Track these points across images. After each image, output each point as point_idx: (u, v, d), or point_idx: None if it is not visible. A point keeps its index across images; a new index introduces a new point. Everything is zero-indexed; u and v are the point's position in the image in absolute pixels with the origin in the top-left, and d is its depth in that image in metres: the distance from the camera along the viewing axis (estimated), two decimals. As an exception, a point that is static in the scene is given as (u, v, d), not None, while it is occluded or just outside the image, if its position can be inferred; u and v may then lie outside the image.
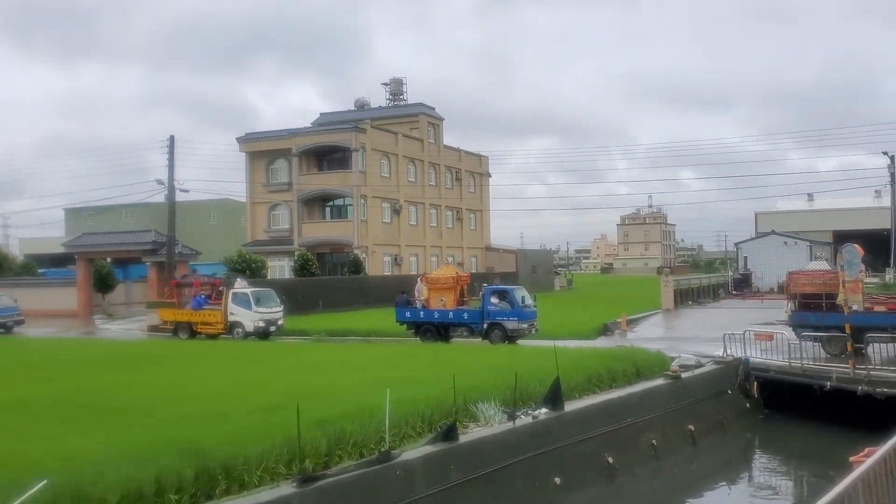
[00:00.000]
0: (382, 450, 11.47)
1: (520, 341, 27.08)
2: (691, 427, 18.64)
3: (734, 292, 56.01)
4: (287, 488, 10.16)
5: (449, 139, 72.41)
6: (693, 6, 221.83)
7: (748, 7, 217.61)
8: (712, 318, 37.36)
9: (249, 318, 30.72)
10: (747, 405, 21.61)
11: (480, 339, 27.59)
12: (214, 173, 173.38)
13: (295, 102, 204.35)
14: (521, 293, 28.13)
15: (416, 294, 29.54)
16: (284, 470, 10.78)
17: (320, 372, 18.23)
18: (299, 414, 10.67)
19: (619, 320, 32.16)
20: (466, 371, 16.88)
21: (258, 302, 31.19)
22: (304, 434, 11.43)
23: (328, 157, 62.17)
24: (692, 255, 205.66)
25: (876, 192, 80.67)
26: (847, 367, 20.18)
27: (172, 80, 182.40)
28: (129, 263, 59.80)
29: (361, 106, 71.49)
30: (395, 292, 32.00)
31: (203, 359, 22.69)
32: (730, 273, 62.77)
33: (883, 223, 67.03)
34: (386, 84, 72.41)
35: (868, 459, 6.81)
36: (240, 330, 30.80)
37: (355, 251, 57.83)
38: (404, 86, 72.58)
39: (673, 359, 21.86)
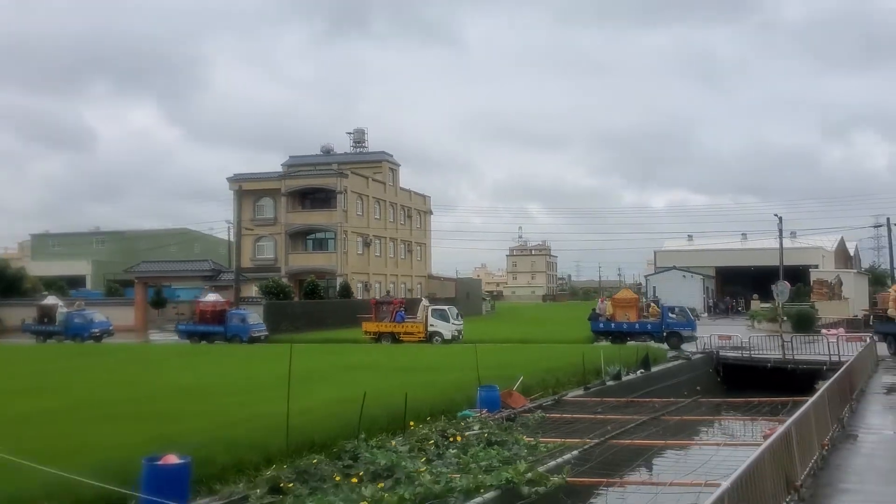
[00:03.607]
0: (601, 380, 23.33)
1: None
2: (698, 388, 31.21)
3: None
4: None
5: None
6: (516, 54, 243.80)
7: (562, 57, 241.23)
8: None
9: (447, 329, 40.58)
10: (718, 379, 34.47)
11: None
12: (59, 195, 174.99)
13: (134, 124, 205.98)
14: (688, 310, 39.13)
15: (599, 311, 40.30)
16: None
17: (516, 353, 29.67)
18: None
19: (604, 331, 44.75)
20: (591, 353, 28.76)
21: (456, 316, 41.07)
22: (561, 371, 23.12)
23: (311, 196, 72.39)
24: (567, 284, 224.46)
25: (742, 235, 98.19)
26: (780, 355, 33.35)
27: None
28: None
29: (327, 151, 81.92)
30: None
31: (434, 351, 33.00)
32: (643, 300, 77.18)
33: (749, 262, 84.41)
34: (350, 133, 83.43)
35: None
36: (438, 338, 40.17)
37: (338, 278, 68.24)
38: (366, 135, 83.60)
39: (667, 351, 34.48)
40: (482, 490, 10.36)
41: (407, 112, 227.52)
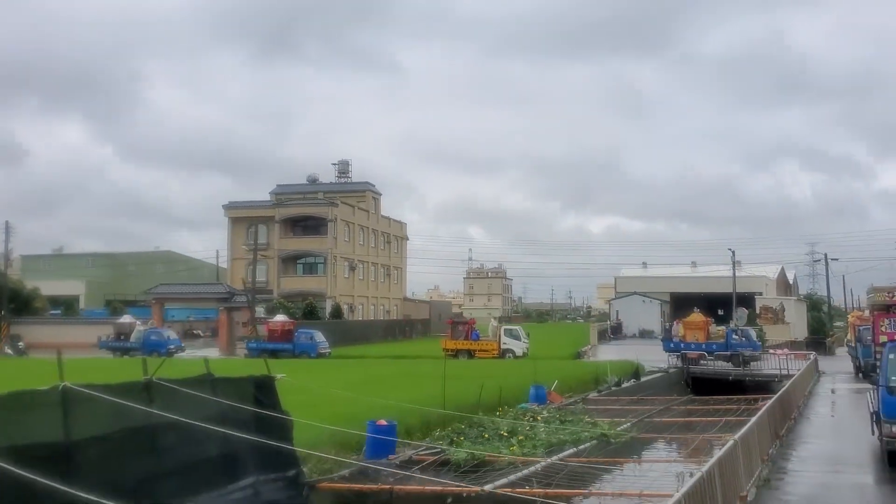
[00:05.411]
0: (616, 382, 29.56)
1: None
2: (675, 395, 37.67)
3: (612, 336, 77.08)
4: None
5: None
6: (450, 82, 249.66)
7: (495, 87, 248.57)
8: (627, 350, 57.10)
9: (519, 346, 45.70)
10: (688, 389, 40.98)
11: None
12: None
13: (66, 141, 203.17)
14: (752, 332, 44.00)
15: (672, 332, 45.55)
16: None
17: (530, 365, 35.63)
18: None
19: (585, 349, 51.14)
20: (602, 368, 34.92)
21: (526, 335, 46.56)
22: (572, 380, 29.25)
23: (302, 223, 77.80)
24: (520, 306, 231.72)
25: (692, 263, 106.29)
26: (740, 369, 40.05)
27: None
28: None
29: (313, 181, 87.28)
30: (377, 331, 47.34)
31: (479, 364, 38.73)
32: (608, 322, 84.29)
33: (700, 289, 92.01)
34: (335, 164, 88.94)
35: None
36: (510, 354, 44.97)
37: (327, 300, 73.61)
38: (350, 166, 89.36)
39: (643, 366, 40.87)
40: (581, 441, 16.35)
41: (344, 135, 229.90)
